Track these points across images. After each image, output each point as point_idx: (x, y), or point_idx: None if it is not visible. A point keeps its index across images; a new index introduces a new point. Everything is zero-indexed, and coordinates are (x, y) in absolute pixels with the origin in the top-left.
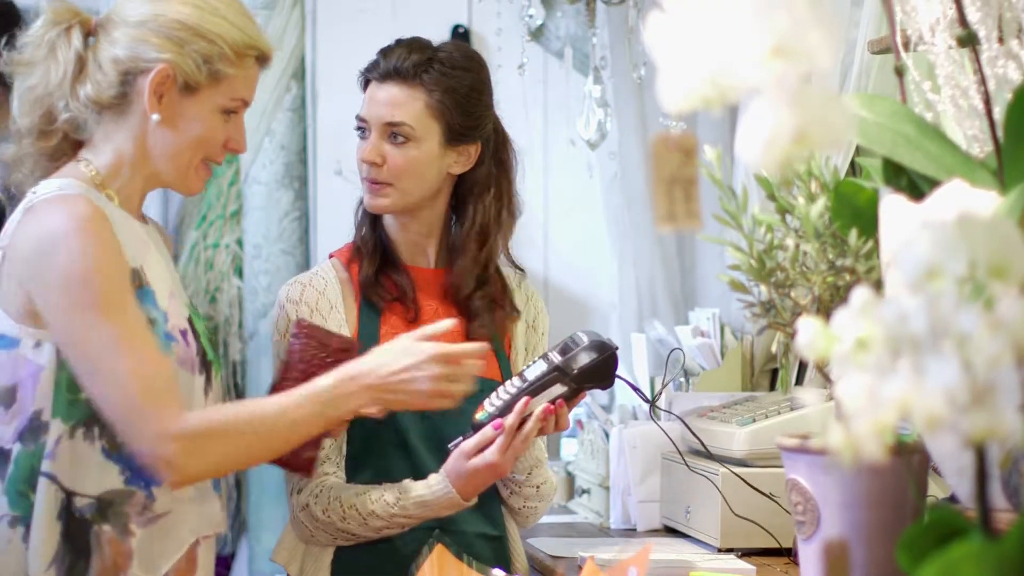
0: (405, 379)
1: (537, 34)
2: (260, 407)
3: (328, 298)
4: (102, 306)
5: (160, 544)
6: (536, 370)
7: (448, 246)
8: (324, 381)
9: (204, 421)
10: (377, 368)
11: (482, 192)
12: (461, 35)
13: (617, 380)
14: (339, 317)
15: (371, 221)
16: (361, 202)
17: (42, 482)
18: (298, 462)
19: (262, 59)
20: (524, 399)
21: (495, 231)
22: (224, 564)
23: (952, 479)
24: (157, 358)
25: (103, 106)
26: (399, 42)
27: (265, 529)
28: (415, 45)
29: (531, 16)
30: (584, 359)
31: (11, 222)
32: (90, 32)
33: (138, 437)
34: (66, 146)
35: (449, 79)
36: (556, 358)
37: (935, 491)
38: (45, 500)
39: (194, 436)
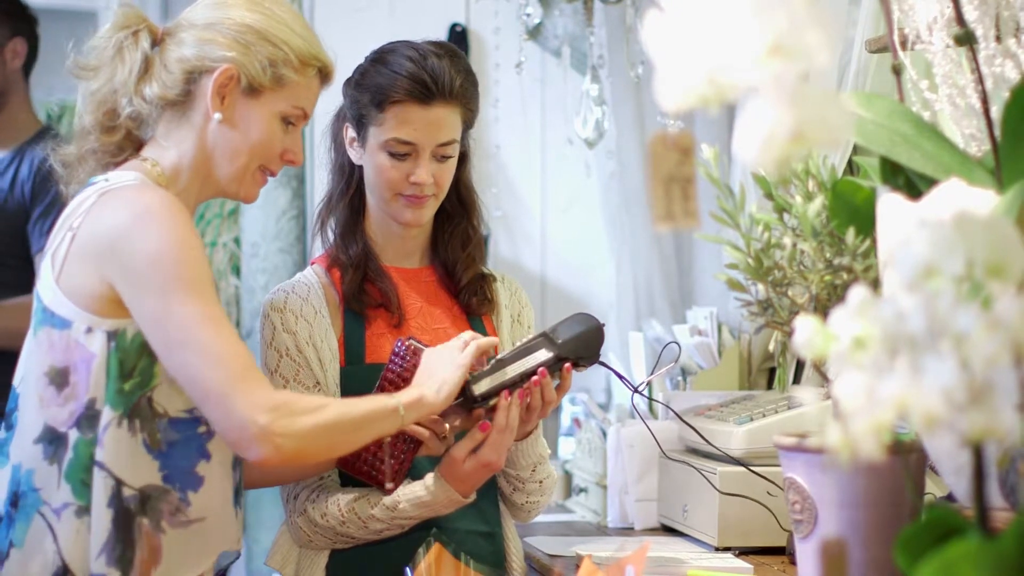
0: (439, 379)
1: (535, 33)
2: (348, 400)
3: (312, 304)
4: (193, 284)
5: (191, 549)
6: (524, 339)
7: (432, 242)
8: (386, 396)
9: (295, 397)
10: (420, 379)
11: (463, 178)
12: (459, 34)
13: (610, 375)
14: (324, 323)
15: (355, 233)
16: (322, 216)
17: (95, 470)
18: (386, 478)
19: (324, 73)
20: (505, 392)
21: (475, 211)
22: None
23: (950, 478)
24: (237, 336)
25: (167, 102)
26: (428, 57)
27: (263, 528)
28: (451, 60)
29: (529, 15)
30: (569, 327)
31: (81, 204)
32: (156, 41)
33: (232, 409)
34: (128, 143)
35: (474, 87)
36: (544, 329)
37: (933, 490)
38: (99, 488)
39: (286, 407)
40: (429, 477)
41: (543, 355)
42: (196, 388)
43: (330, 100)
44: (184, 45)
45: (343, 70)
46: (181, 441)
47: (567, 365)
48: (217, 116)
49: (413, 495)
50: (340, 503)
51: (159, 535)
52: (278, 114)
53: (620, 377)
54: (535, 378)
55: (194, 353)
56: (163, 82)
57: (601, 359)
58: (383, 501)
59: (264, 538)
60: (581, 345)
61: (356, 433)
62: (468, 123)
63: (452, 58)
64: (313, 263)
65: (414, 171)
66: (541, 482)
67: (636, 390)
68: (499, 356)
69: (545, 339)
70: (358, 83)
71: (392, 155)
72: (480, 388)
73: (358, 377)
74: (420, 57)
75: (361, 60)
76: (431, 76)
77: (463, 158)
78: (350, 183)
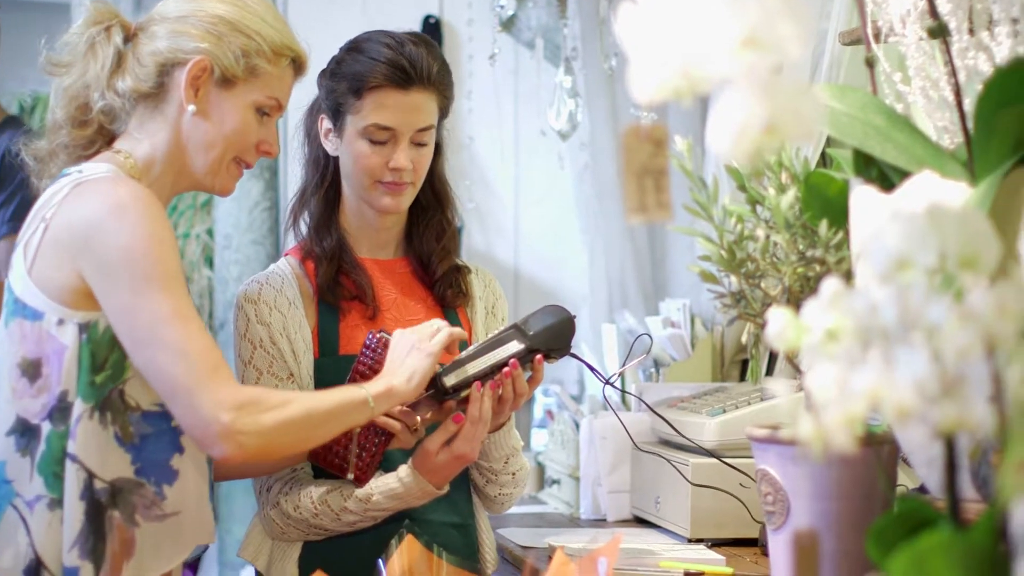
0: (409, 365)
1: (508, 25)
2: (317, 394)
3: (286, 295)
4: (164, 279)
5: (166, 543)
6: (495, 331)
7: (407, 235)
8: (364, 391)
9: (258, 391)
10: (390, 366)
11: (436, 171)
12: (432, 26)
13: (583, 366)
14: (298, 314)
15: (329, 226)
16: (294, 211)
17: (67, 463)
18: (358, 471)
19: (297, 64)
20: (476, 383)
21: (449, 203)
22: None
23: (922, 470)
24: (207, 332)
25: (140, 95)
26: (405, 44)
27: (236, 520)
28: (428, 48)
29: (502, 7)
30: (540, 319)
31: (54, 195)
32: (128, 36)
33: (196, 407)
34: (100, 137)
35: (448, 75)
36: (516, 320)
37: (905, 481)
38: (71, 480)
39: (251, 404)
40: (402, 469)
41: (514, 347)
42: (162, 384)
43: (306, 92)
44: (157, 38)
45: (316, 62)
46: (154, 434)
47: (538, 357)
48: (191, 108)
49: (386, 487)
50: (313, 496)
51: (132, 528)
52: (252, 105)
53: (591, 369)
54: (506, 370)
55: (161, 349)
56: (136, 75)
57: (573, 351)
58: (356, 493)
59: (236, 529)
60: (552, 337)
61: (325, 427)
62: (444, 111)
63: (428, 46)
64: (287, 254)
65: (393, 157)
66: (514, 474)
67: (608, 382)
68: (470, 348)
69: (516, 331)
70: (334, 72)
71: (371, 141)
72: (451, 380)
73: (332, 368)
74: (397, 44)
75: (335, 52)
76: (409, 61)
77: (437, 150)
78: (325, 176)
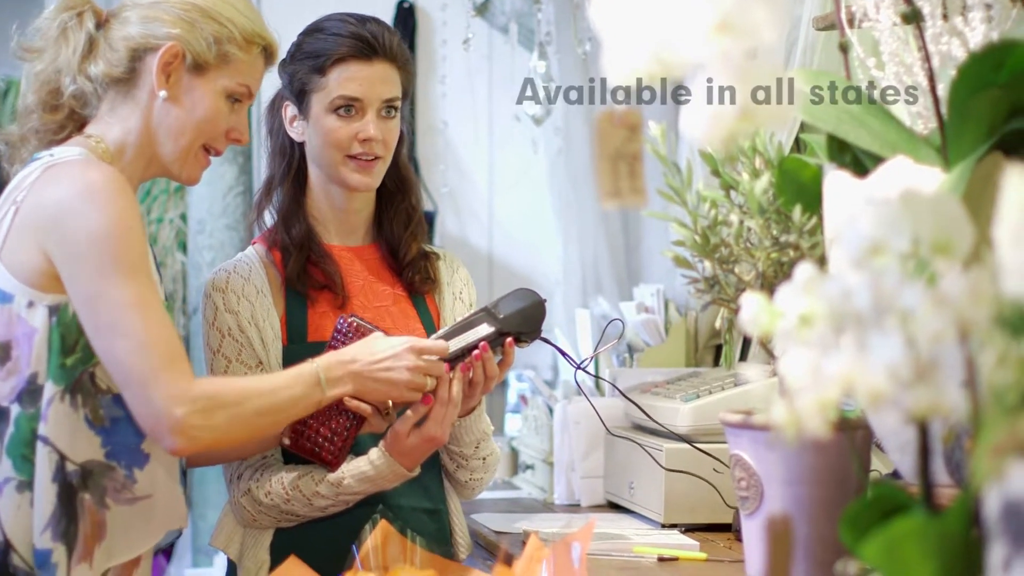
0: (386, 367)
1: (482, 9)
2: (260, 381)
3: (254, 284)
4: (128, 266)
5: (137, 526)
6: (466, 314)
7: (377, 221)
8: (310, 366)
9: (214, 386)
10: (361, 356)
11: (399, 157)
12: (406, 10)
13: (556, 352)
14: (266, 302)
15: (297, 214)
16: (260, 205)
17: (39, 445)
18: (329, 455)
19: (268, 52)
20: (446, 365)
21: (413, 189)
22: None
23: (895, 455)
24: (169, 322)
25: (111, 80)
26: (366, 21)
27: (209, 506)
28: (382, 23)
29: None
30: (511, 302)
31: (25, 178)
32: (100, 22)
33: (150, 398)
34: (70, 122)
35: (408, 54)
36: (486, 304)
37: (878, 467)
38: (43, 463)
39: (204, 400)
40: (373, 451)
41: (484, 329)
42: (119, 372)
43: (275, 84)
44: (129, 24)
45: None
46: (125, 418)
47: (509, 340)
48: (163, 94)
49: (358, 470)
50: (284, 481)
51: (103, 511)
52: (223, 91)
53: (562, 354)
54: (476, 353)
55: (121, 337)
56: (108, 60)
57: (545, 335)
58: (327, 478)
59: (210, 515)
60: (522, 320)
61: (277, 422)
62: (406, 89)
63: (387, 26)
64: (254, 243)
65: (363, 128)
66: (484, 459)
67: (579, 367)
68: (440, 331)
69: (487, 314)
70: (293, 56)
71: (339, 116)
72: None
73: (301, 355)
74: (358, 21)
75: None
76: (371, 34)
77: (400, 136)
78: (291, 163)
